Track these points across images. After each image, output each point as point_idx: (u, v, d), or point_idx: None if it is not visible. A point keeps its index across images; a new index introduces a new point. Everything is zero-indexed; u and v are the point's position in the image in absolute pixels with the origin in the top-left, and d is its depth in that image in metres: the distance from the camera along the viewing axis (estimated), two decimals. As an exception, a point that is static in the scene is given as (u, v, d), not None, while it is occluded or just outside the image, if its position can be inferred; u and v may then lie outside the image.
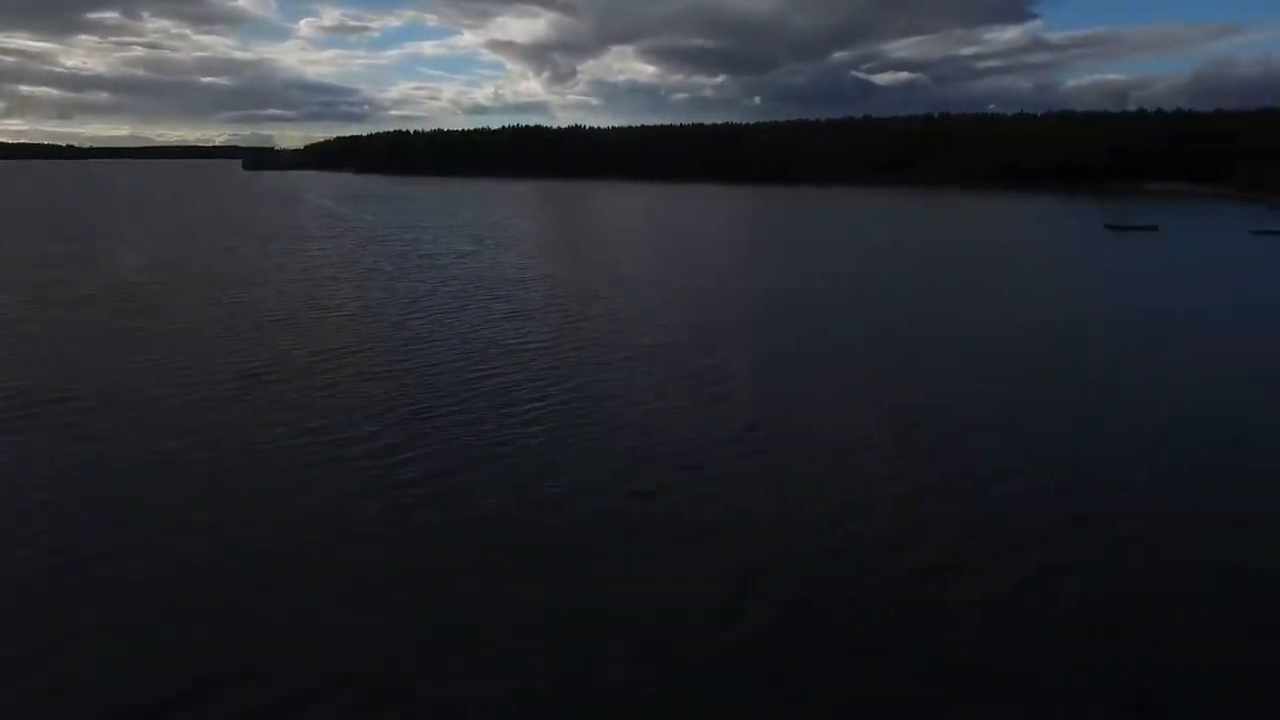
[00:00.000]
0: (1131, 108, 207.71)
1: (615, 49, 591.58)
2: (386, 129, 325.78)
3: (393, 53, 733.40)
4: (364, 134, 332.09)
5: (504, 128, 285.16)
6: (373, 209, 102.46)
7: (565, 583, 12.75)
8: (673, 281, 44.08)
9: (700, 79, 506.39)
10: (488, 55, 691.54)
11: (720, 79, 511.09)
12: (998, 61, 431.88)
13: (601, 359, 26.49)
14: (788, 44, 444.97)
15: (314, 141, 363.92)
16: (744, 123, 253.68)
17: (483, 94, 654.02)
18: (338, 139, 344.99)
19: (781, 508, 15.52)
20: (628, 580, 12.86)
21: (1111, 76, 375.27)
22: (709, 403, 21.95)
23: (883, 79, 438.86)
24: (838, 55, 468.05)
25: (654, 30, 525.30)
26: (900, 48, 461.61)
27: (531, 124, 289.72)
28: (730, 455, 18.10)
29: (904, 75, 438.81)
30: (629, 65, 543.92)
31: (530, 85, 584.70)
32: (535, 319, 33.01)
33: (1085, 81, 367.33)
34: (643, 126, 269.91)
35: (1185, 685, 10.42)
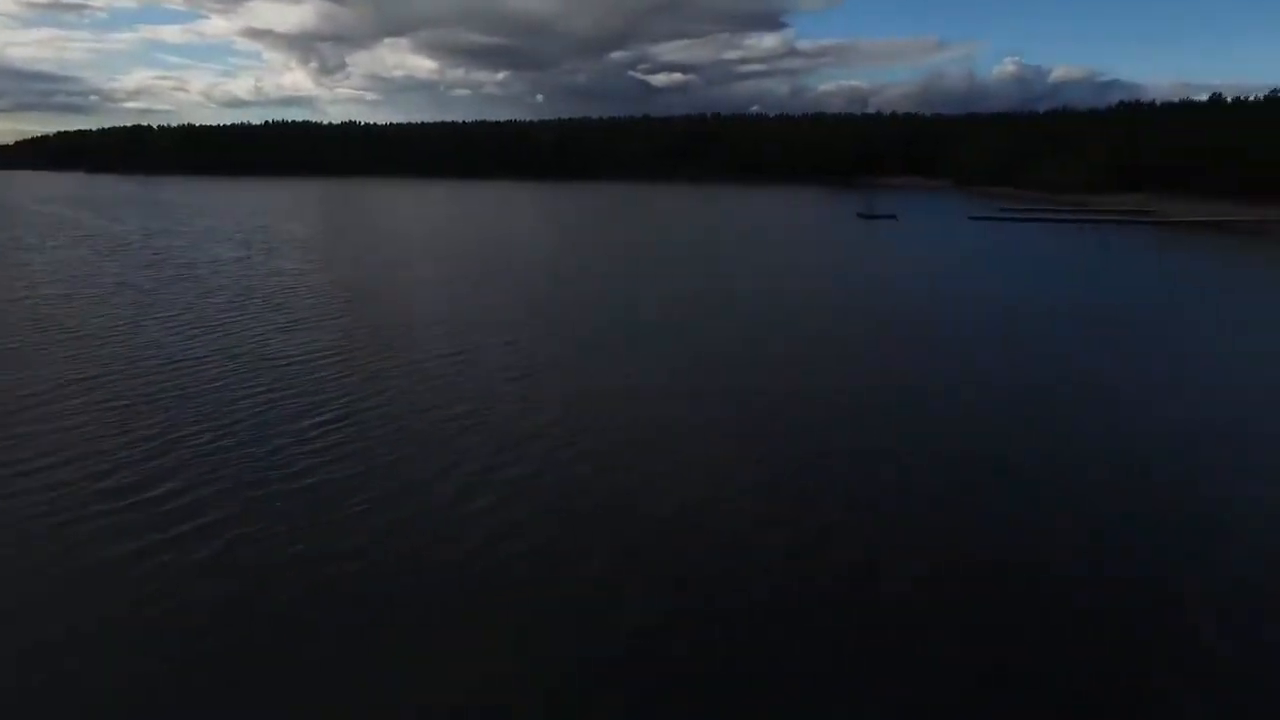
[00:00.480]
0: (872, 111, 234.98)
1: (389, 41, 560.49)
2: (123, 123, 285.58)
3: (125, 36, 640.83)
4: (94, 128, 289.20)
5: (267, 123, 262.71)
6: (115, 214, 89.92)
7: (408, 628, 11.54)
8: (459, 280, 43.22)
9: (482, 75, 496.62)
10: (244, 44, 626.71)
11: (502, 75, 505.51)
12: (759, 66, 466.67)
13: (396, 368, 25.36)
14: (567, 43, 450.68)
15: (27, 137, 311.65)
16: (529, 120, 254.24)
17: (240, 86, 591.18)
18: (60, 134, 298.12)
19: (617, 507, 15.55)
20: (476, 617, 11.91)
21: (854, 83, 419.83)
22: (515, 404, 21.80)
23: (659, 80, 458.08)
24: (615, 55, 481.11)
25: (430, 23, 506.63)
26: (672, 50, 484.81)
27: (299, 119, 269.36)
28: (552, 460, 17.85)
29: (678, 76, 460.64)
30: (405, 59, 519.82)
31: (295, 78, 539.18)
32: (317, 329, 30.83)
33: (833, 86, 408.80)
34: (423, 123, 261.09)
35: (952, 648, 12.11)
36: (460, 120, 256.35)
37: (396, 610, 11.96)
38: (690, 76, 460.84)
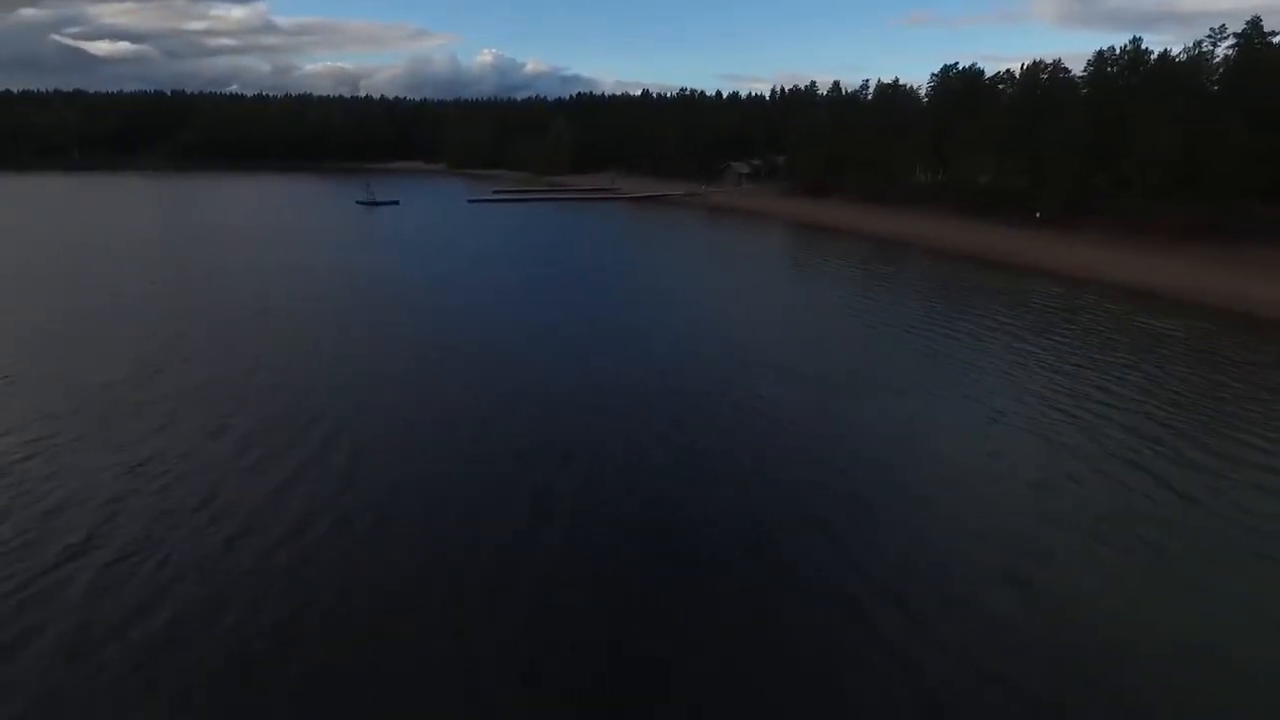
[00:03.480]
0: (362, 94, 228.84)
1: None
2: None
3: None
4: None
5: None
6: None
7: None
8: None
9: None
10: None
11: None
12: (232, 40, 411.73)
13: None
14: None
15: None
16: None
17: None
18: None
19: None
20: None
21: (342, 64, 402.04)
22: None
23: (100, 48, 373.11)
24: (28, 13, 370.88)
25: None
26: (114, 13, 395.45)
27: None
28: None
29: (126, 45, 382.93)
30: None
31: None
32: None
33: (320, 67, 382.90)
34: None
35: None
36: None
37: None
38: (144, 46, 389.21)
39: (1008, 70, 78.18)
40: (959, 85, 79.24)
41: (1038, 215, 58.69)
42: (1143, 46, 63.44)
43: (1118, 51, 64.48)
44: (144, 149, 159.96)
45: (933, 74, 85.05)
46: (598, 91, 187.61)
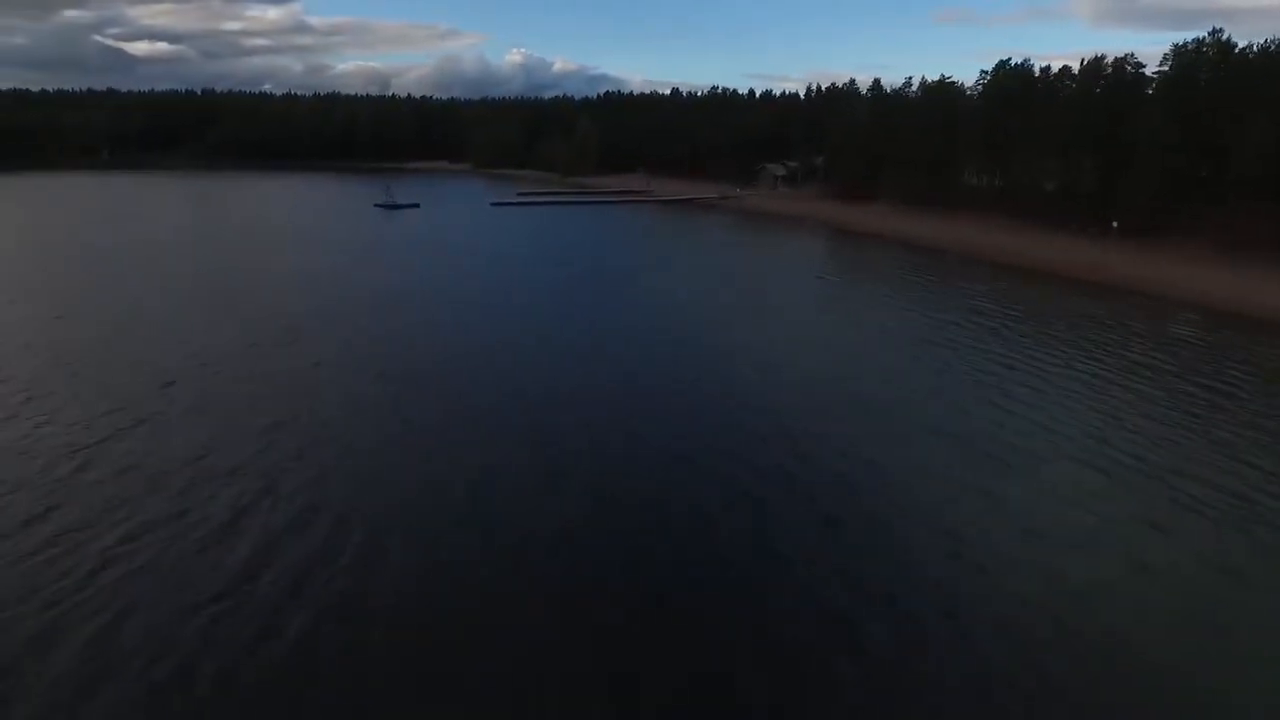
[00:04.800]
0: (391, 93, 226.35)
1: None
2: None
3: None
4: None
5: None
6: None
7: None
8: None
9: None
10: None
11: None
12: (266, 40, 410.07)
13: None
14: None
15: None
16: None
17: None
18: None
19: None
20: None
21: (373, 64, 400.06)
22: None
23: (139, 48, 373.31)
24: (71, 14, 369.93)
25: None
26: (152, 14, 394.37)
27: None
28: None
29: (164, 46, 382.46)
30: None
31: None
32: None
33: (351, 67, 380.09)
34: None
35: None
36: None
37: None
38: (181, 47, 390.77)
39: (1064, 66, 72.75)
40: (1013, 82, 73.82)
41: (1114, 225, 53.36)
42: (1224, 39, 57.86)
43: (1201, 44, 58.79)
44: (173, 148, 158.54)
45: (983, 70, 79.67)
46: (625, 90, 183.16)
